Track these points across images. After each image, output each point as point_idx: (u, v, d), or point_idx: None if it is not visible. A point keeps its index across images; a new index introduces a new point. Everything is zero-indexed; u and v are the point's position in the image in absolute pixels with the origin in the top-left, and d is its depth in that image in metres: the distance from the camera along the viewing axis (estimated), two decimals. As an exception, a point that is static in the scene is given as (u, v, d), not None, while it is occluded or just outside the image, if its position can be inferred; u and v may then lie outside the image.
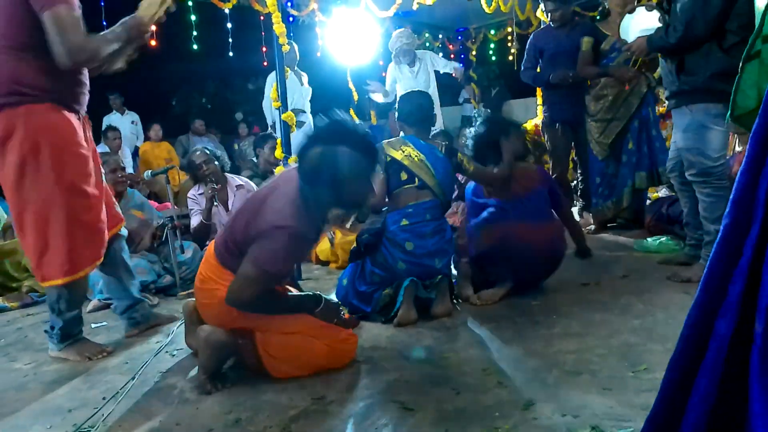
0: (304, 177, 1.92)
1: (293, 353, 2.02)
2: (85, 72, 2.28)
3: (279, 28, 3.67)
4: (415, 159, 2.72)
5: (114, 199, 2.57)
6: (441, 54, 5.72)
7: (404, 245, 2.62)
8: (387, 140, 2.85)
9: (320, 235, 2.14)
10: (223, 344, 2.00)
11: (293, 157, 3.85)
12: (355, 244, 2.81)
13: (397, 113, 2.97)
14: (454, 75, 5.56)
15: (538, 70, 4.49)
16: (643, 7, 3.20)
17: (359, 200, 2.05)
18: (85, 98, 2.31)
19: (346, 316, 2.51)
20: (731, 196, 1.02)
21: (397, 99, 5.39)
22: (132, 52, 2.35)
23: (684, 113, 2.76)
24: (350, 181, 1.92)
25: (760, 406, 0.89)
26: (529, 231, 2.78)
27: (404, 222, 2.66)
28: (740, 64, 1.13)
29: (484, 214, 2.92)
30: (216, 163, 3.84)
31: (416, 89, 4.87)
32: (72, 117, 2.21)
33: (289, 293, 2.25)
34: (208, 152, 3.89)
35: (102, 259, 2.34)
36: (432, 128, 3.06)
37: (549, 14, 4.35)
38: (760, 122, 0.99)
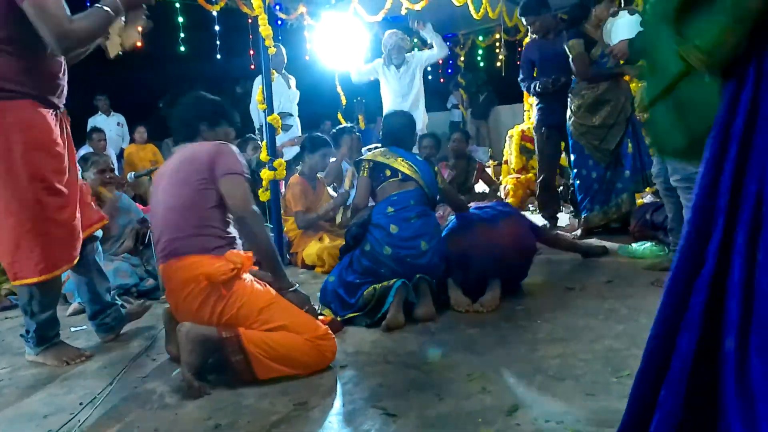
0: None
1: (276, 348, 2.00)
2: (64, 66, 2.24)
3: (265, 30, 3.66)
4: (399, 160, 2.86)
5: (91, 199, 2.52)
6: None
7: (389, 228, 2.68)
8: (370, 152, 2.98)
9: None
10: (204, 338, 1.98)
11: (279, 160, 3.84)
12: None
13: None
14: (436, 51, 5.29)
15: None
16: (627, 11, 3.23)
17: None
18: (64, 91, 2.27)
19: (329, 318, 2.50)
20: (692, 203, 0.97)
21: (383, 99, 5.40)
22: (141, 20, 2.29)
23: (667, 119, 2.78)
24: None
25: (740, 426, 0.84)
26: (488, 231, 2.86)
27: (389, 209, 2.74)
28: (646, 112, 1.09)
29: (449, 225, 3.05)
30: None
31: (400, 103, 4.95)
32: (49, 114, 2.17)
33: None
34: None
35: (78, 258, 2.30)
36: (416, 131, 3.22)
37: (529, 27, 4.39)
38: (717, 125, 0.95)
